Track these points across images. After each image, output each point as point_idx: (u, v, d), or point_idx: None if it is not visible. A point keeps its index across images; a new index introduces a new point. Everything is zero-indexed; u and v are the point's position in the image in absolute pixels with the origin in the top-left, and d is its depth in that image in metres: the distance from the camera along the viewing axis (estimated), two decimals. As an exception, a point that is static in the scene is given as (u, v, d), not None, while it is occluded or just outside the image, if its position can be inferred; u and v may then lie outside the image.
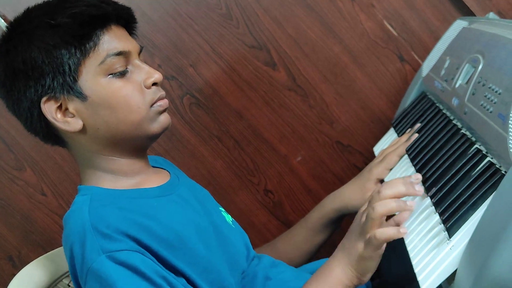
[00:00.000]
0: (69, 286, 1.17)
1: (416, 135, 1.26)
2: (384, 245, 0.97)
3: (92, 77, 0.98)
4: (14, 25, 1.02)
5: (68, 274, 1.17)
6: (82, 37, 0.97)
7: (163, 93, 1.04)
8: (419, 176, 1.01)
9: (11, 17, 1.04)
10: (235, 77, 1.70)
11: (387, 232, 0.95)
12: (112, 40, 0.99)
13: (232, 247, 1.10)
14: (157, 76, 1.02)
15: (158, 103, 1.03)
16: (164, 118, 1.04)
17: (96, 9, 0.99)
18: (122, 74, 1.00)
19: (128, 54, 1.01)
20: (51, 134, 1.04)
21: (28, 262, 1.15)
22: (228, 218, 1.17)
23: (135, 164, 1.06)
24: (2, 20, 1.48)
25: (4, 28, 1.03)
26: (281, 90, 1.71)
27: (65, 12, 0.97)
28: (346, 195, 1.30)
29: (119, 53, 0.99)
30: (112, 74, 0.99)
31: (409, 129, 1.34)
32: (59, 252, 1.19)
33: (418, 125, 1.30)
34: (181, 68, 1.67)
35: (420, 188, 1.00)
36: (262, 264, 1.15)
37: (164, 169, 1.15)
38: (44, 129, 1.02)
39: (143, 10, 1.62)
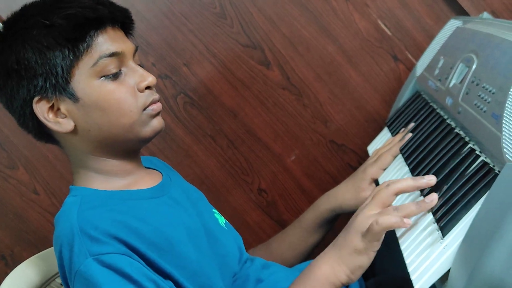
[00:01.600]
0: (62, 285, 1.16)
1: (410, 134, 1.26)
2: (381, 239, 0.94)
3: (84, 79, 0.98)
4: (10, 23, 1.01)
5: (61, 273, 1.17)
6: (76, 40, 0.96)
7: (156, 96, 1.03)
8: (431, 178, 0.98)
9: (5, 16, 1.03)
10: (229, 76, 1.69)
11: (391, 219, 0.92)
12: (105, 42, 0.98)
13: (224, 250, 1.09)
14: (150, 79, 1.01)
15: (151, 107, 1.02)
16: (157, 122, 1.03)
17: (92, 11, 0.97)
18: (115, 76, 0.99)
19: (121, 55, 1.00)
20: (43, 133, 1.04)
21: (21, 261, 1.15)
22: (221, 220, 1.16)
23: (127, 165, 1.06)
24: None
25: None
26: (275, 89, 1.71)
27: (60, 12, 0.97)
28: (340, 195, 1.30)
29: (112, 54, 0.98)
30: (105, 76, 0.98)
31: (403, 129, 1.34)
32: (52, 251, 1.18)
33: (412, 124, 1.30)
34: (175, 67, 1.67)
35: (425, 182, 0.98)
36: (254, 266, 1.14)
37: (157, 170, 1.14)
38: (36, 128, 1.02)
39: (137, 9, 1.62)
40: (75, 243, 0.92)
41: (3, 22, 1.03)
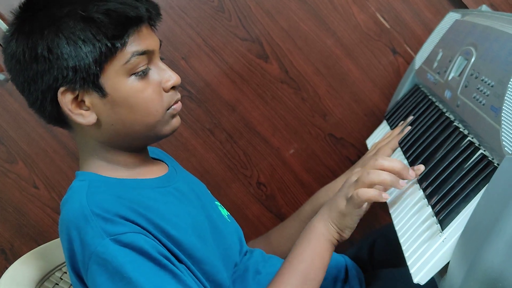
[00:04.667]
0: (61, 279, 1.16)
1: (409, 127, 1.26)
2: (364, 206, 1.00)
3: (115, 75, 0.97)
4: (41, 3, 0.98)
5: (61, 267, 1.17)
6: (114, 37, 0.95)
7: (179, 96, 1.05)
8: (421, 167, 1.05)
9: (6, 13, 1.01)
10: (227, 70, 1.69)
11: (369, 193, 0.98)
12: (139, 40, 0.98)
13: (226, 241, 1.10)
14: (176, 79, 1.02)
15: (173, 106, 1.03)
16: (176, 121, 1.05)
17: (131, 9, 0.96)
18: (144, 73, 0.99)
19: (151, 53, 1.00)
20: (58, 119, 1.02)
21: (21, 255, 1.15)
22: (224, 212, 1.17)
23: (136, 158, 1.06)
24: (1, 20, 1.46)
25: (4, 29, 1.00)
26: (274, 83, 1.71)
27: (99, 6, 0.94)
28: (339, 188, 1.30)
29: (143, 53, 0.98)
30: (134, 74, 0.98)
31: (401, 122, 1.34)
32: (51, 246, 1.19)
33: (410, 117, 1.30)
34: (173, 61, 1.67)
35: (412, 174, 1.02)
36: (254, 258, 1.16)
37: (163, 161, 1.15)
38: (54, 114, 1.00)
39: (135, 2, 1.61)
40: (88, 225, 0.91)
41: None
